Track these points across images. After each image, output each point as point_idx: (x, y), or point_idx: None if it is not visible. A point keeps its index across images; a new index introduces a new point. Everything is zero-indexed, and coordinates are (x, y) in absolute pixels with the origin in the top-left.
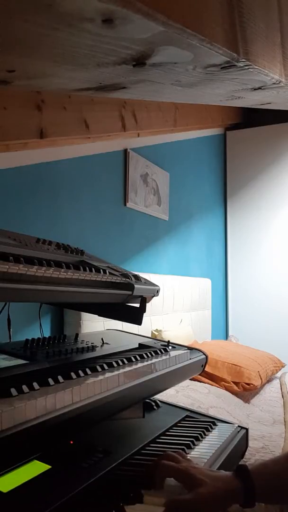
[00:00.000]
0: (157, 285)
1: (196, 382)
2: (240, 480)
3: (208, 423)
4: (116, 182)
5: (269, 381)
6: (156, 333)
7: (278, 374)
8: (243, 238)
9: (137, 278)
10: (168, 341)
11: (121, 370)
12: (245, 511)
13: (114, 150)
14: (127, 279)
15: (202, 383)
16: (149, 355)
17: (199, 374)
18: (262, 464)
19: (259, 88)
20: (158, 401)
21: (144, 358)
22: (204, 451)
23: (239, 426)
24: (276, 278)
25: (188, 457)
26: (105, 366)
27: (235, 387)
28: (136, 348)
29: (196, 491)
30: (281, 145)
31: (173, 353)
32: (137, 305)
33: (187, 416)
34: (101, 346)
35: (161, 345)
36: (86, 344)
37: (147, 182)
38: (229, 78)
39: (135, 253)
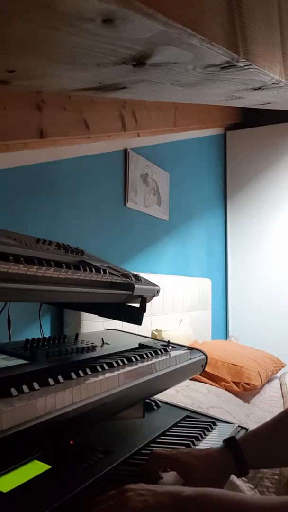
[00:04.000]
0: (157, 285)
1: (196, 382)
2: (230, 452)
3: (208, 423)
4: (116, 182)
5: (269, 381)
6: (156, 333)
7: (278, 374)
8: (243, 238)
9: (137, 278)
10: (168, 341)
11: (121, 370)
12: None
13: (114, 150)
14: (127, 279)
15: (202, 383)
16: (149, 355)
17: (199, 374)
18: (251, 432)
19: (259, 88)
20: (158, 401)
21: (144, 358)
22: None
23: (239, 426)
24: (276, 278)
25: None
26: (105, 366)
27: (235, 387)
28: (136, 348)
29: (191, 478)
30: (281, 145)
31: (173, 353)
32: (137, 305)
33: (187, 416)
34: (101, 346)
35: (161, 345)
36: (86, 344)
37: (147, 182)
38: (229, 78)
39: (135, 253)
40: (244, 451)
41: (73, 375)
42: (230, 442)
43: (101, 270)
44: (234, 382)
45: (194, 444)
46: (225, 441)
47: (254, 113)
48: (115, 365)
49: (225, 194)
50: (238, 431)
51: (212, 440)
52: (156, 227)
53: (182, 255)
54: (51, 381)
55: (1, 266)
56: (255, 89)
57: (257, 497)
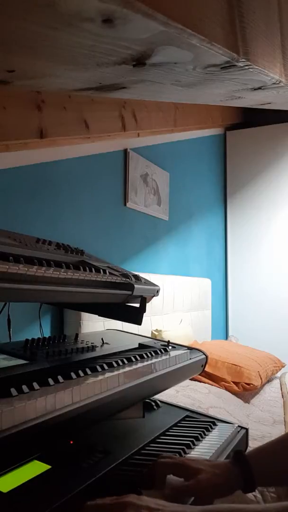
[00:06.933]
0: (157, 285)
1: (196, 382)
2: (238, 466)
3: (208, 423)
4: (116, 182)
5: (269, 381)
6: (156, 333)
7: (278, 374)
8: (243, 238)
9: (137, 278)
10: (168, 341)
11: (121, 370)
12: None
13: (114, 150)
14: (127, 279)
15: (202, 383)
16: (149, 355)
17: (199, 374)
18: (259, 449)
19: (259, 88)
20: (158, 401)
21: (144, 358)
22: (204, 451)
23: (239, 426)
24: (276, 278)
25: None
26: (105, 366)
27: (235, 387)
28: (136, 348)
29: (196, 478)
30: (281, 145)
31: (173, 353)
32: (137, 305)
33: (187, 416)
34: (101, 346)
35: (161, 345)
36: (86, 344)
37: (147, 182)
38: (229, 78)
39: (135, 253)
40: (252, 467)
41: (73, 375)
42: (239, 457)
43: (101, 270)
44: (234, 382)
45: (194, 444)
46: (234, 454)
47: (254, 113)
48: (115, 365)
49: (225, 194)
50: (238, 431)
51: (212, 440)
52: (156, 227)
53: (182, 255)
54: (51, 381)
55: (1, 266)
56: (255, 89)
57: (261, 506)
